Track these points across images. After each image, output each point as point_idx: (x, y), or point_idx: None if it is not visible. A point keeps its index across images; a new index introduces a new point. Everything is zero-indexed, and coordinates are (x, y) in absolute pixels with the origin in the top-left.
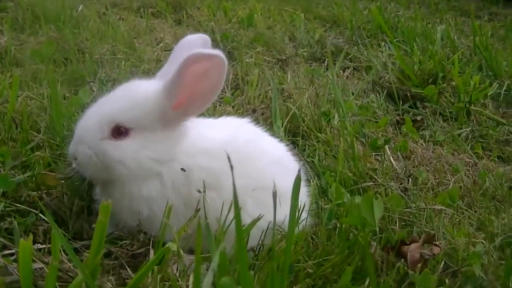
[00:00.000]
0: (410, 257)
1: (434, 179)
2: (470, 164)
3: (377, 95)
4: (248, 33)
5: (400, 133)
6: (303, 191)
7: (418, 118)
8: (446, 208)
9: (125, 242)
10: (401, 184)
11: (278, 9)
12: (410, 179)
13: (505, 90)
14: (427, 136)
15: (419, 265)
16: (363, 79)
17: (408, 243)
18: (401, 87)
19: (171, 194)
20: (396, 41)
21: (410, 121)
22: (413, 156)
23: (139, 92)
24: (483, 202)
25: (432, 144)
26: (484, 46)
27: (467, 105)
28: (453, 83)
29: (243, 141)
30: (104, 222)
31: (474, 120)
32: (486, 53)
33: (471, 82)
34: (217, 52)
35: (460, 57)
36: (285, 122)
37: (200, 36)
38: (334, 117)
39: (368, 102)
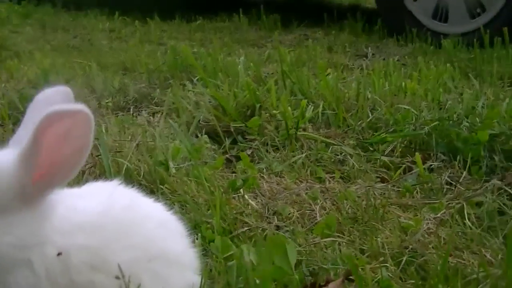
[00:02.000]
0: None
1: (297, 211)
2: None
3: (197, 136)
4: None
5: (233, 172)
6: (190, 253)
7: (248, 152)
8: (338, 240)
9: None
10: (270, 223)
11: (69, 62)
12: (275, 216)
13: (322, 112)
14: (264, 169)
15: None
16: (176, 122)
17: (322, 284)
18: (218, 124)
19: (47, 287)
20: (198, 78)
21: (247, 156)
22: (261, 192)
23: None
24: (352, 225)
25: (274, 176)
26: (291, 71)
27: (296, 132)
28: (275, 111)
29: (121, 208)
30: None
31: (305, 146)
32: (294, 78)
33: (289, 108)
34: (79, 106)
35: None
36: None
37: (59, 89)
38: (170, 166)
39: (194, 144)
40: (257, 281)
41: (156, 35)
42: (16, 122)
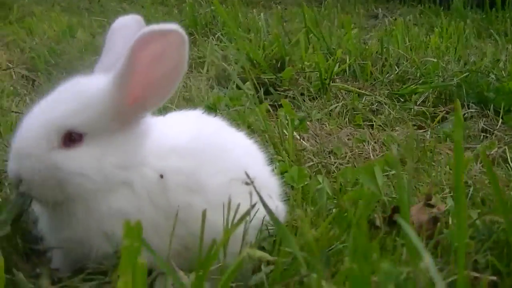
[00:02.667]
0: (417, 220)
1: (350, 152)
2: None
3: (227, 88)
4: (73, 46)
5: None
6: (274, 179)
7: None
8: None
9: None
10: (325, 160)
11: (87, 21)
12: (331, 155)
13: (349, 65)
14: (305, 117)
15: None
16: (203, 76)
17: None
18: (248, 76)
19: (148, 207)
20: (222, 33)
21: (288, 104)
22: (307, 135)
23: (88, 90)
24: (404, 165)
25: (317, 123)
26: (316, 29)
27: (328, 82)
28: (307, 63)
29: (211, 133)
30: (133, 247)
31: (339, 96)
32: (318, 33)
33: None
34: (174, 26)
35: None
36: None
37: (133, 17)
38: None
39: (232, 93)
40: (347, 203)
41: None
42: (50, 74)
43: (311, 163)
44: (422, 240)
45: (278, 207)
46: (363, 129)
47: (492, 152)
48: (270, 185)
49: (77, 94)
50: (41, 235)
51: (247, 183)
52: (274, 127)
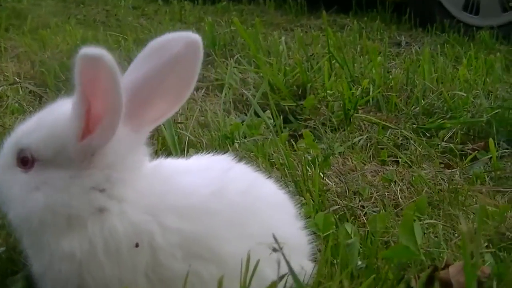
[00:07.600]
0: (457, 283)
1: (376, 193)
2: (383, 172)
3: (244, 114)
4: None
5: (294, 150)
6: (304, 237)
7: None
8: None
9: None
10: (350, 203)
11: (102, 35)
12: (356, 196)
13: (372, 95)
14: (326, 149)
15: None
16: (221, 98)
17: (441, 268)
18: (267, 102)
19: (107, 260)
20: (239, 56)
21: (310, 135)
22: (329, 171)
23: (53, 113)
24: (432, 210)
25: (339, 157)
26: (339, 55)
27: (352, 113)
28: (329, 91)
29: (239, 191)
30: None
31: (363, 128)
32: (341, 60)
33: (342, 89)
34: (96, 51)
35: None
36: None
37: (184, 36)
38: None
39: (251, 121)
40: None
41: (181, 15)
42: (59, 90)
43: (337, 206)
44: None
45: (305, 267)
46: (388, 165)
47: None
48: (300, 244)
49: (42, 115)
50: None
51: (274, 249)
52: (298, 163)
